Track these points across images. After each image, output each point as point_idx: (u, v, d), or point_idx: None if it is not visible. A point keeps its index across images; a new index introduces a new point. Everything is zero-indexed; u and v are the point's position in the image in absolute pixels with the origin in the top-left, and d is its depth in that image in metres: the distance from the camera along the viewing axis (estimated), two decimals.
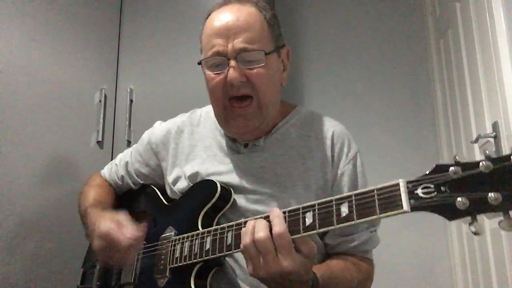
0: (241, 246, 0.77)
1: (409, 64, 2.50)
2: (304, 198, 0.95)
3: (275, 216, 0.76)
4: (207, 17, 0.99)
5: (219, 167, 1.02)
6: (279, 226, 0.74)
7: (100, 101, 1.87)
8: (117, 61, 1.99)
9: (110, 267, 1.04)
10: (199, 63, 0.97)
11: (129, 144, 1.84)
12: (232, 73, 0.91)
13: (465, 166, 0.61)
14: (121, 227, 0.91)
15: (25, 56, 1.60)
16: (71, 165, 1.68)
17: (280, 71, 1.00)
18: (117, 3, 2.05)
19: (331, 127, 1.04)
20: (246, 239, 0.76)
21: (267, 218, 0.77)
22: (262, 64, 0.92)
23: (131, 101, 1.93)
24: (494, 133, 1.61)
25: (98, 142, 1.81)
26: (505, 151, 1.55)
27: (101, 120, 1.84)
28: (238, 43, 0.91)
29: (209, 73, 0.95)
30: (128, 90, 1.93)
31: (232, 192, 0.97)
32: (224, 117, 0.98)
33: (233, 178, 1.00)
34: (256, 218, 0.79)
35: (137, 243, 0.91)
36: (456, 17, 2.03)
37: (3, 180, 1.46)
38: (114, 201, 1.19)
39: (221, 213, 0.96)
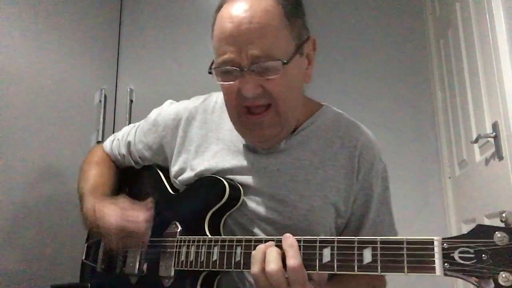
0: (251, 272, 0.71)
1: (409, 64, 2.50)
2: (320, 211, 0.89)
3: (290, 245, 0.69)
4: (219, 10, 0.85)
5: (231, 163, 0.94)
6: (294, 259, 0.67)
7: (100, 101, 1.87)
8: (117, 61, 1.99)
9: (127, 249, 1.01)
10: (210, 72, 0.85)
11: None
12: (245, 86, 0.80)
13: None
14: (129, 218, 0.87)
15: (25, 56, 1.60)
16: (71, 164, 1.67)
17: (303, 70, 0.89)
18: (117, 3, 2.05)
19: (360, 134, 0.94)
20: (255, 267, 0.70)
21: (279, 243, 0.71)
22: (279, 74, 0.80)
23: (131, 101, 1.93)
24: (494, 133, 1.61)
25: (98, 142, 1.81)
26: (505, 151, 1.55)
27: (101, 120, 1.84)
28: (251, 52, 0.78)
29: (221, 81, 0.85)
30: (128, 90, 1.93)
31: (242, 190, 0.91)
32: (239, 125, 0.89)
33: (246, 178, 0.92)
34: (267, 240, 0.73)
35: (150, 223, 0.88)
36: (456, 17, 2.03)
37: (3, 178, 1.46)
38: (115, 180, 1.12)
39: (230, 212, 0.91)
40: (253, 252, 0.72)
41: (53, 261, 1.56)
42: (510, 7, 1.56)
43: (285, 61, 0.80)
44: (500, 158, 1.59)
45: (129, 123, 1.88)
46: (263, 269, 0.69)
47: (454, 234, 2.15)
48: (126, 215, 0.88)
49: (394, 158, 2.32)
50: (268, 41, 0.79)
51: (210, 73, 0.85)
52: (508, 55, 1.54)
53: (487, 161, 1.73)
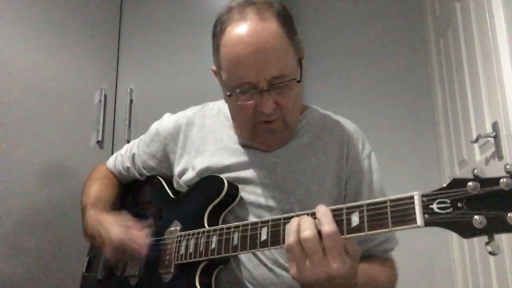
0: (285, 245, 0.72)
1: (409, 64, 2.50)
2: (317, 195, 0.94)
3: (324, 214, 0.70)
4: (223, 31, 0.89)
5: (230, 159, 0.99)
6: (330, 225, 0.68)
7: (100, 101, 1.87)
8: (117, 61, 1.99)
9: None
10: (229, 95, 0.91)
11: None
12: (265, 105, 0.88)
13: (484, 182, 0.58)
14: (132, 235, 0.93)
15: (25, 56, 1.60)
16: (71, 164, 1.68)
17: (302, 81, 0.95)
18: (117, 3, 2.05)
19: (345, 125, 1.04)
20: (290, 238, 0.70)
21: (313, 215, 0.72)
22: (293, 91, 0.89)
23: (131, 101, 1.93)
24: (494, 133, 1.61)
25: (98, 142, 1.81)
26: (505, 151, 1.55)
27: (101, 120, 1.84)
28: (269, 74, 0.86)
29: (236, 100, 0.91)
30: (128, 90, 1.94)
31: (239, 188, 0.95)
32: (251, 132, 0.96)
33: (244, 172, 0.97)
34: (263, 221, 0.77)
35: (147, 247, 0.93)
36: (456, 17, 2.03)
37: (4, 179, 1.46)
38: (117, 195, 1.17)
39: (228, 209, 0.94)
40: (288, 225, 0.73)
41: (57, 267, 1.56)
42: (510, 7, 1.56)
43: (299, 80, 0.89)
44: (500, 158, 1.59)
45: (129, 123, 1.89)
46: (298, 239, 0.69)
47: (454, 234, 2.16)
48: (130, 233, 0.93)
49: (394, 158, 2.33)
50: (282, 62, 0.86)
51: (229, 95, 0.91)
52: (508, 55, 1.54)
53: (487, 161, 1.73)
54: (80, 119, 1.78)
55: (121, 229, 0.93)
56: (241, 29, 0.86)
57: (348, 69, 2.56)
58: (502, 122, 1.57)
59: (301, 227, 0.70)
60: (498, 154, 1.60)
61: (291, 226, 0.72)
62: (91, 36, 1.89)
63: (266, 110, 0.88)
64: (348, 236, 0.67)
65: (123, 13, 2.05)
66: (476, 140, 1.73)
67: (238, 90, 0.88)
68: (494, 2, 1.61)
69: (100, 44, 1.93)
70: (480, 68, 1.76)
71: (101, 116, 1.85)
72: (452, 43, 2.13)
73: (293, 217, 0.74)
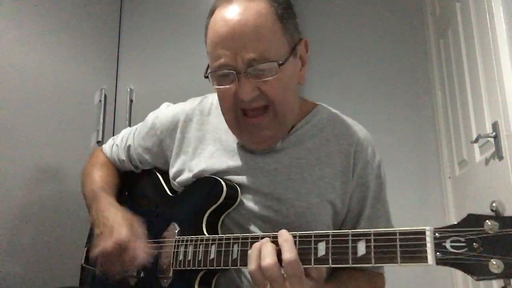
0: (248, 270, 0.72)
1: (409, 64, 2.50)
2: (317, 208, 0.89)
3: (285, 240, 0.69)
4: (212, 14, 0.86)
5: (228, 163, 0.94)
6: (290, 253, 0.68)
7: (100, 101, 1.87)
8: (117, 61, 2.00)
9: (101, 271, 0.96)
10: (206, 77, 0.86)
11: None
12: (242, 89, 0.81)
13: (504, 221, 0.54)
14: (136, 244, 0.85)
15: (25, 56, 1.60)
16: (71, 164, 1.68)
17: (297, 71, 0.89)
18: (117, 2, 2.05)
19: (355, 132, 0.95)
20: (251, 264, 0.70)
21: (275, 239, 0.71)
22: (275, 75, 0.81)
23: (131, 101, 1.93)
24: (494, 133, 1.60)
25: (98, 142, 1.81)
26: (505, 151, 1.55)
27: (101, 120, 1.84)
28: (247, 55, 0.79)
29: (217, 85, 0.85)
30: (128, 90, 1.94)
31: (239, 190, 0.91)
32: (236, 127, 0.89)
33: (242, 178, 0.92)
34: (263, 236, 0.74)
35: (144, 262, 0.86)
36: (456, 17, 2.03)
37: (4, 178, 1.46)
38: (119, 181, 1.12)
39: (227, 212, 0.91)
40: (249, 251, 0.73)
41: (54, 264, 1.56)
42: (510, 7, 1.56)
43: (281, 62, 0.81)
44: (500, 158, 1.59)
45: (129, 123, 1.89)
46: (259, 266, 0.69)
47: None
48: (137, 241, 0.86)
49: (394, 158, 2.33)
50: (263, 43, 0.80)
51: (206, 77, 0.86)
52: (508, 55, 1.54)
53: (487, 161, 1.73)
54: (80, 119, 1.78)
55: (130, 232, 0.86)
56: (225, 10, 0.82)
57: (348, 68, 2.56)
58: (502, 122, 1.57)
59: (262, 254, 0.70)
60: (498, 154, 1.60)
61: (252, 253, 0.71)
62: (91, 36, 1.89)
63: (244, 96, 0.81)
64: (353, 265, 0.65)
65: (123, 13, 2.06)
66: (476, 140, 1.73)
67: (216, 72, 0.83)
68: (494, 2, 1.61)
69: (100, 44, 1.93)
70: (480, 68, 1.76)
71: (101, 116, 1.85)
72: (452, 43, 2.14)
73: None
